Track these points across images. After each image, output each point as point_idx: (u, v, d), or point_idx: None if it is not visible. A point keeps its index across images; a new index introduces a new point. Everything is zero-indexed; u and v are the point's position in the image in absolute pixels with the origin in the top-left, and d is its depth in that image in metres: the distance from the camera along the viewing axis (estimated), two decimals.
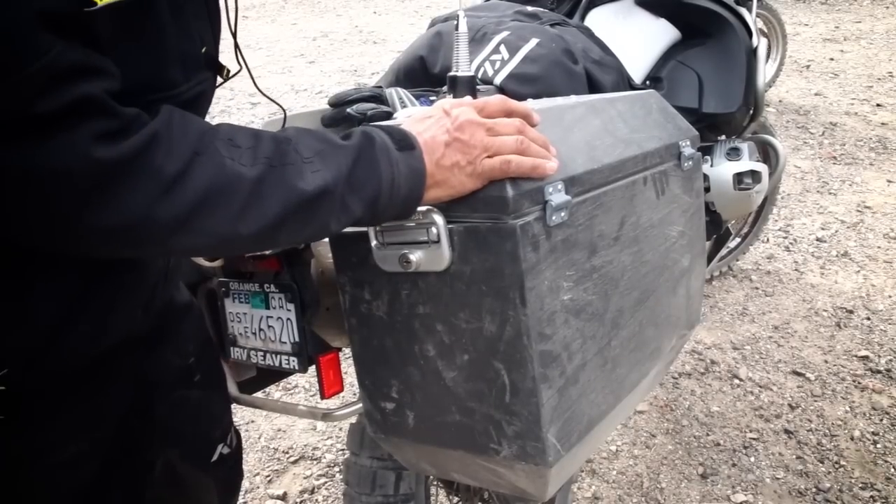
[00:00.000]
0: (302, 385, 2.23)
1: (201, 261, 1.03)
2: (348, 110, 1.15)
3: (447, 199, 0.72)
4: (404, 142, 0.69)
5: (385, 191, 0.66)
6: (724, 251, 2.59)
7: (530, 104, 0.85)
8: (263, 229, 0.61)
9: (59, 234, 0.55)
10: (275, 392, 2.20)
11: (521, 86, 1.40)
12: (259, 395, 1.17)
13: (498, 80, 1.43)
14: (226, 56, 0.76)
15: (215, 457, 0.92)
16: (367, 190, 0.66)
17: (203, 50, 0.69)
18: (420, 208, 0.71)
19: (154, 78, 0.61)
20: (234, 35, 0.78)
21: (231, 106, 4.50)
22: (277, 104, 0.94)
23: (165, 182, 0.55)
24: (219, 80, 0.74)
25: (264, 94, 0.91)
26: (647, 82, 1.80)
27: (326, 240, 0.83)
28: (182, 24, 0.64)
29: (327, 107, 1.19)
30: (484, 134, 0.71)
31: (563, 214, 0.74)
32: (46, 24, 0.50)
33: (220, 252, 0.90)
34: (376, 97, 1.18)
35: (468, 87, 0.81)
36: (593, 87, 1.48)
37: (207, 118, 0.73)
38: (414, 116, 0.75)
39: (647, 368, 0.95)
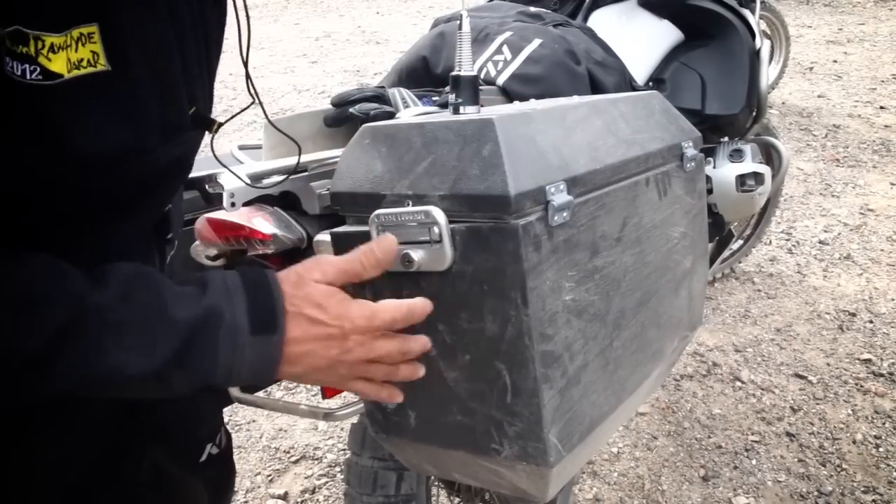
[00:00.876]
0: (303, 385, 2.23)
1: (203, 259, 1.03)
2: (351, 110, 1.15)
3: None
4: (265, 324, 0.59)
5: (220, 379, 0.59)
6: (726, 253, 2.58)
7: (532, 104, 0.85)
8: (48, 396, 0.55)
9: None
10: (276, 392, 2.20)
11: (524, 86, 1.40)
12: (261, 394, 1.17)
13: (501, 80, 1.43)
14: (237, 65, 0.73)
15: (204, 457, 0.92)
16: (196, 375, 0.58)
17: (192, 110, 0.64)
18: (420, 208, 0.71)
19: (124, 145, 0.56)
20: (246, 65, 0.75)
21: (234, 106, 4.50)
22: (292, 140, 0.88)
23: None
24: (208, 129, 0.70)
25: (279, 129, 0.86)
26: (650, 83, 1.80)
27: (328, 239, 0.83)
28: (171, 94, 0.60)
29: (330, 107, 1.20)
30: (365, 365, 0.68)
31: (565, 215, 0.74)
32: None
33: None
34: (379, 97, 1.18)
35: (471, 86, 0.81)
36: (596, 88, 1.48)
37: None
38: (320, 290, 0.65)
39: (648, 370, 0.95)
